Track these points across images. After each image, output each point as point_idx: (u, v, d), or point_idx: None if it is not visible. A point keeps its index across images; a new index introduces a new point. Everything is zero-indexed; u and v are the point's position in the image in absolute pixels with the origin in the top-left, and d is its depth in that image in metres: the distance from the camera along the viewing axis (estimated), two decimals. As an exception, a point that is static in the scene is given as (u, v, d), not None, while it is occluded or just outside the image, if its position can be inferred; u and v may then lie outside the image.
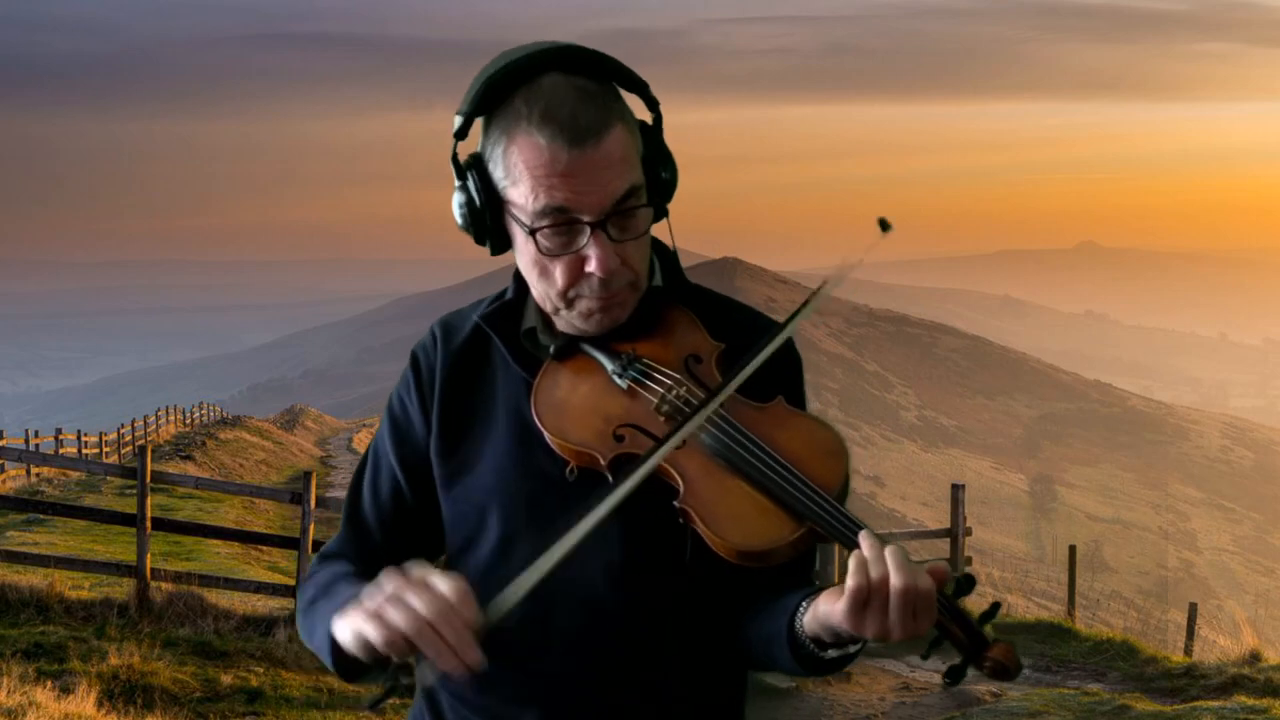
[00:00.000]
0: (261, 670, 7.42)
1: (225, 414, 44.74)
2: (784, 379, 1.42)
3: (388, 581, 1.18)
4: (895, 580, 1.15)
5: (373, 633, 1.16)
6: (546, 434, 1.35)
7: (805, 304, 1.38)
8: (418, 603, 1.15)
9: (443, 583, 1.16)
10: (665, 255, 1.47)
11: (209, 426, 36.19)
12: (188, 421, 38.02)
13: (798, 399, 1.42)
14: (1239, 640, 9.49)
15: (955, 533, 11.47)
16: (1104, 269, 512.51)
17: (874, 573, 1.16)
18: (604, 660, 1.35)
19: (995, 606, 1.19)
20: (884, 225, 1.32)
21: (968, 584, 1.18)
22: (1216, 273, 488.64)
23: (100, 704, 5.83)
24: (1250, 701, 7.17)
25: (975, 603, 1.20)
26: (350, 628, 1.20)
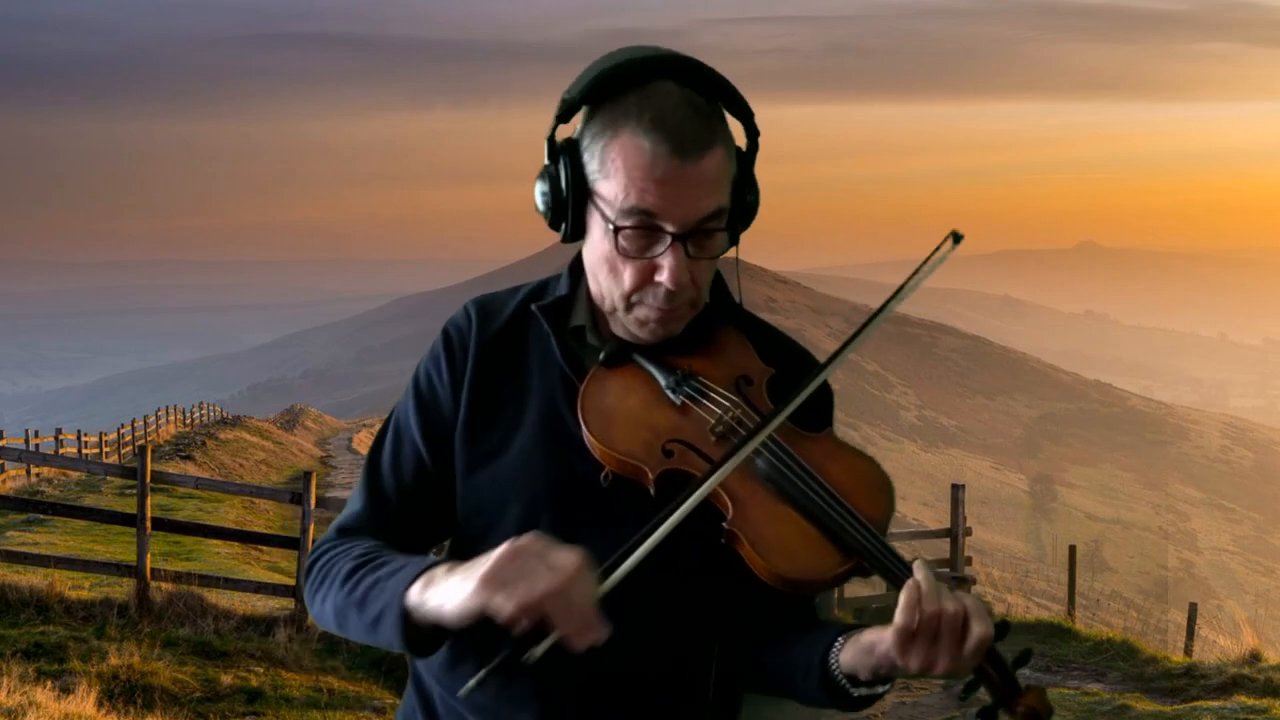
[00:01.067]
0: (261, 670, 7.41)
1: (225, 414, 44.75)
2: (824, 408, 1.43)
3: (504, 551, 1.16)
4: (949, 608, 1.17)
5: (501, 601, 1.14)
6: (590, 437, 1.33)
7: (869, 322, 1.34)
8: (543, 572, 1.14)
9: (564, 554, 1.16)
10: (721, 280, 1.47)
11: (209, 426, 36.19)
12: (188, 421, 38.02)
13: (830, 427, 1.43)
14: (1239, 640, 9.49)
15: (955, 533, 11.47)
16: (1104, 269, 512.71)
17: (927, 608, 1.17)
18: (601, 660, 1.31)
19: (1027, 653, 1.21)
20: (956, 238, 1.30)
21: (1004, 629, 1.19)
22: (1216, 273, 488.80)
23: (100, 704, 5.83)
24: (1250, 701, 7.18)
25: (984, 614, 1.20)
26: (456, 595, 1.17)
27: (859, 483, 1.31)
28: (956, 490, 11.88)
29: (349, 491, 1.47)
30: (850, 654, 1.26)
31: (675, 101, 1.29)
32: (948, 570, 11.53)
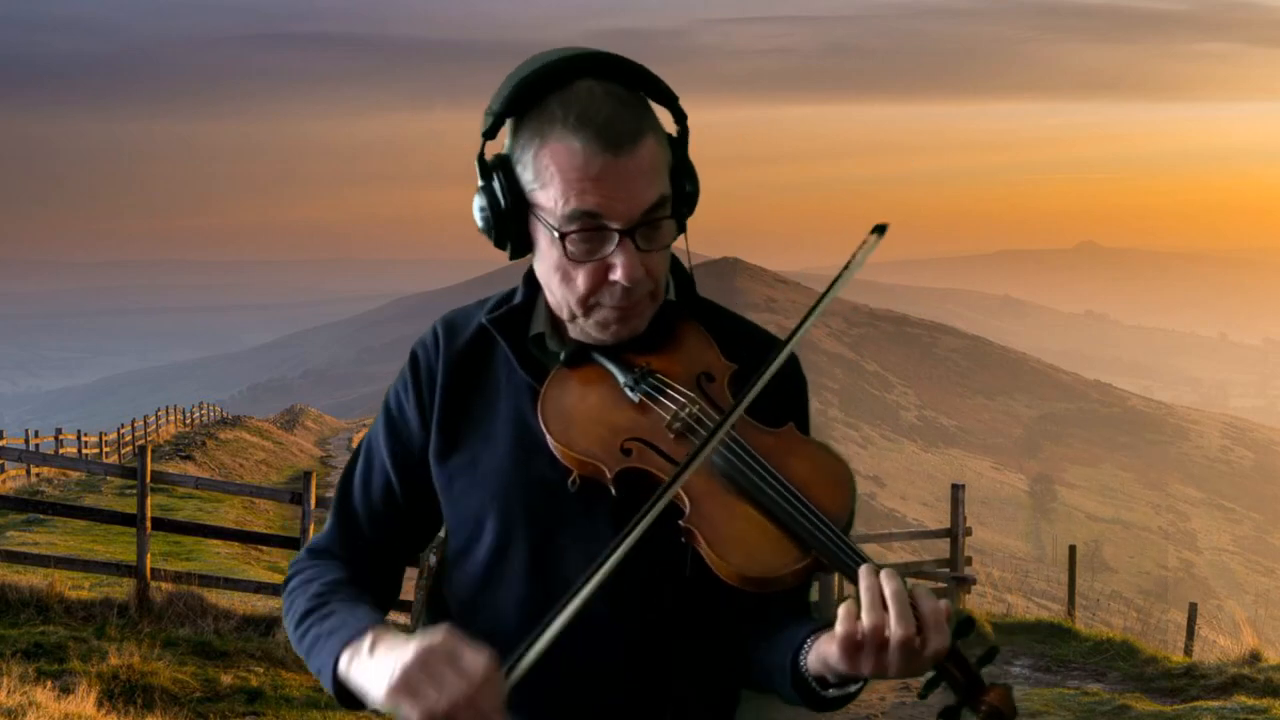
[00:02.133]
0: (261, 670, 7.41)
1: (225, 414, 44.74)
2: (791, 402, 1.41)
3: (414, 655, 1.16)
4: (895, 630, 1.13)
5: (407, 709, 1.15)
6: (551, 440, 1.32)
7: (807, 318, 1.35)
8: (451, 679, 1.14)
9: (470, 656, 1.15)
10: (679, 270, 1.46)
11: (209, 426, 36.20)
12: (188, 421, 38.02)
13: (803, 421, 1.42)
14: (1239, 640, 9.48)
15: (955, 533, 11.47)
16: (1104, 269, 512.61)
17: (867, 621, 1.14)
18: (598, 674, 1.34)
19: (993, 651, 1.18)
20: (879, 230, 1.31)
21: (967, 626, 1.17)
22: (1216, 273, 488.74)
23: (100, 704, 5.83)
24: (1250, 701, 7.18)
25: (975, 618, 1.23)
26: (383, 698, 1.18)
27: (818, 477, 1.29)
28: (956, 490, 11.87)
29: (349, 458, 1.55)
30: (814, 657, 1.24)
31: (599, 97, 1.27)
32: (948, 570, 11.53)
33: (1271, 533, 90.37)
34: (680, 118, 1.36)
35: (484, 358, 1.43)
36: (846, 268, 1.34)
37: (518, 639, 1.21)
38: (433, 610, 1.48)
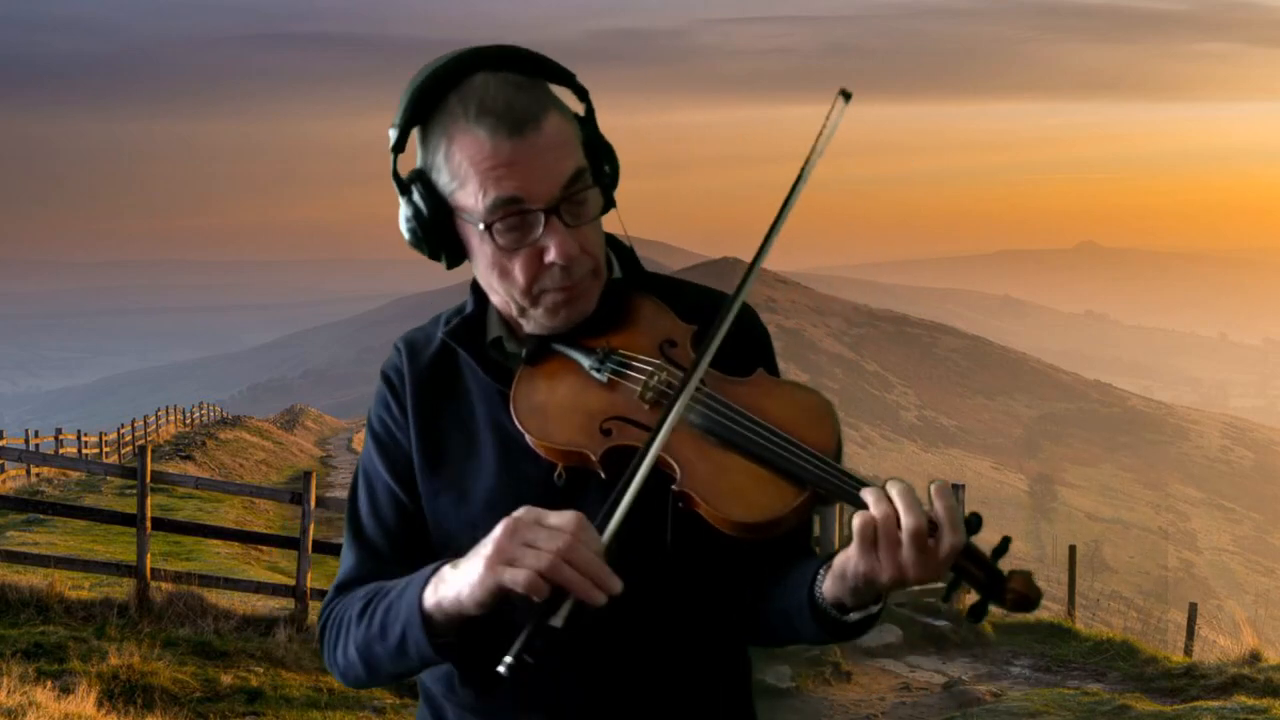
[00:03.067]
0: (261, 670, 7.41)
1: (225, 414, 44.74)
2: (757, 351, 1.42)
3: (502, 528, 1.16)
4: (905, 517, 1.14)
5: (509, 577, 1.13)
6: (531, 439, 1.33)
7: (766, 242, 1.33)
8: (545, 539, 1.13)
9: (558, 516, 1.15)
10: (620, 248, 1.47)
11: (209, 426, 36.20)
12: (188, 421, 38.02)
13: (771, 369, 1.42)
14: (1239, 640, 9.47)
15: (955, 533, 11.45)
16: (1104, 269, 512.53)
17: (879, 511, 1.15)
18: (606, 657, 1.34)
19: (1006, 540, 1.17)
20: (846, 95, 1.29)
21: (976, 523, 1.17)
22: (1216, 273, 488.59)
23: (100, 704, 5.83)
24: (1250, 701, 7.17)
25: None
26: (469, 583, 1.17)
27: (798, 414, 1.30)
28: (956, 490, 11.85)
29: (348, 491, 1.54)
30: (830, 583, 1.24)
31: (494, 86, 1.28)
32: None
33: (1271, 533, 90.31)
34: (582, 94, 1.35)
35: (450, 371, 1.43)
36: (818, 138, 1.30)
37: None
38: None
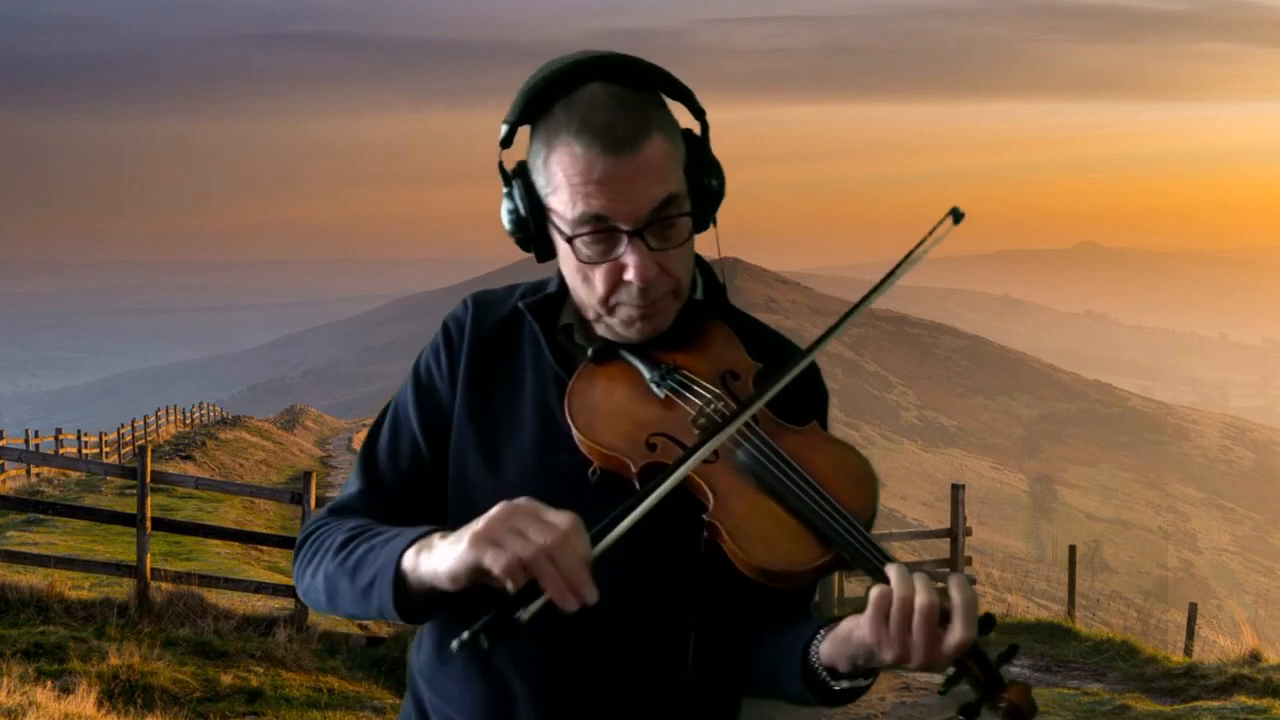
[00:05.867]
0: (261, 670, 7.41)
1: (225, 414, 44.71)
2: (814, 406, 1.42)
3: (497, 511, 1.16)
4: (921, 598, 1.14)
5: (490, 558, 1.14)
6: (577, 433, 1.34)
7: (852, 311, 1.34)
8: (535, 531, 1.14)
9: (555, 514, 1.16)
10: (712, 278, 1.47)
11: (209, 426, 36.18)
12: (188, 421, 38.03)
13: (824, 425, 1.42)
14: (1239, 640, 9.48)
15: (955, 533, 11.47)
16: (1104, 269, 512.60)
17: (900, 589, 1.15)
18: (594, 659, 1.34)
19: (1013, 649, 1.17)
20: (957, 216, 1.29)
21: (988, 623, 1.16)
22: (1216, 273, 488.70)
23: (100, 704, 5.83)
24: (1250, 701, 7.18)
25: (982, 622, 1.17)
26: (451, 555, 1.17)
27: (841, 474, 1.30)
28: (956, 490, 11.88)
29: (372, 423, 1.54)
30: (829, 645, 1.24)
31: (602, 100, 1.28)
32: (948, 570, 11.53)
33: (1271, 533, 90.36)
34: (699, 113, 1.37)
35: (512, 340, 1.44)
36: (910, 254, 1.30)
37: (528, 625, 1.18)
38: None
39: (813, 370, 1.43)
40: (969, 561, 11.77)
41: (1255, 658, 8.86)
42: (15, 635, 7.17)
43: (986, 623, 1.16)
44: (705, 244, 1.43)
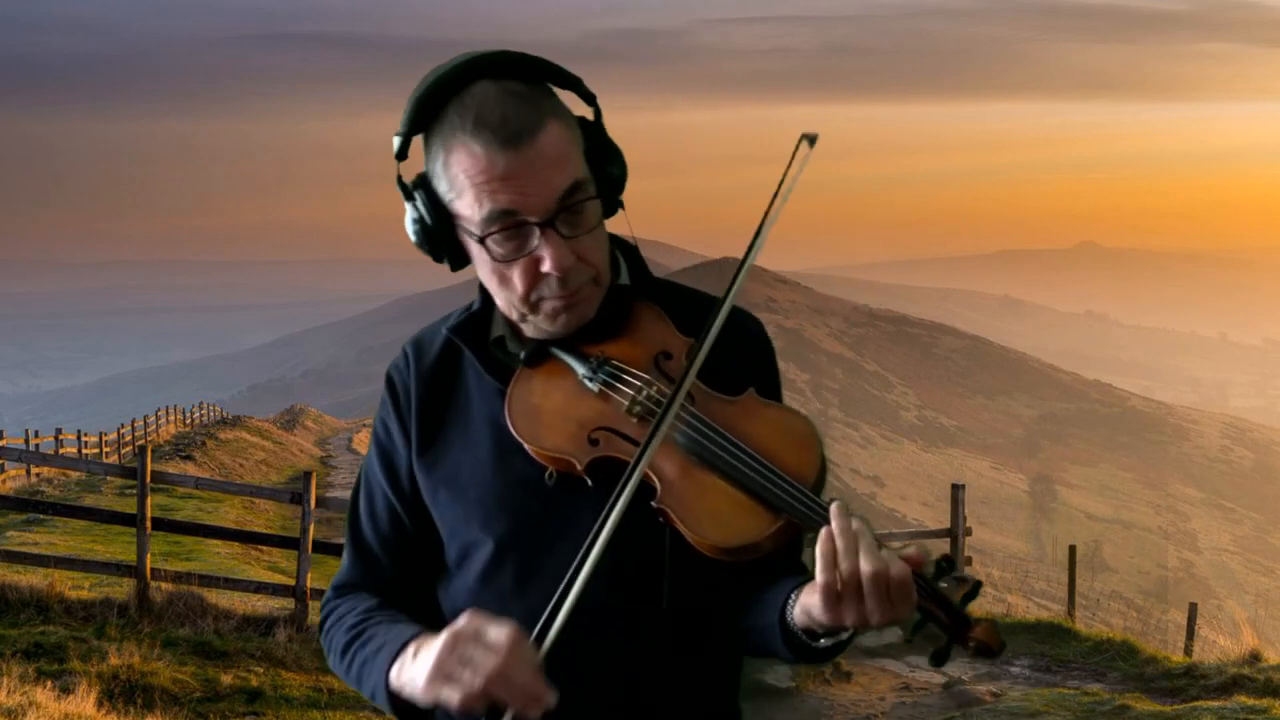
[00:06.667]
0: (261, 670, 7.41)
1: (225, 414, 44.69)
2: (756, 368, 1.42)
3: (442, 643, 1.20)
4: (866, 568, 1.15)
5: (446, 695, 1.19)
6: (522, 440, 1.35)
7: (744, 263, 1.33)
8: (482, 656, 1.17)
9: (494, 630, 1.19)
10: (629, 251, 1.46)
11: (209, 426, 36.16)
12: (188, 421, 38.01)
13: (771, 387, 1.42)
14: (1239, 640, 9.47)
15: (955, 533, 11.46)
16: (1104, 269, 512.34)
17: (843, 565, 1.16)
18: (594, 667, 1.35)
19: (977, 585, 1.19)
20: (811, 140, 1.30)
21: (947, 566, 1.18)
22: (1216, 273, 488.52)
23: (100, 704, 5.83)
24: (1250, 701, 7.17)
25: (976, 602, 1.20)
26: (423, 691, 1.22)
27: (783, 440, 1.30)
28: (956, 490, 11.87)
29: (349, 491, 1.54)
30: (798, 610, 1.26)
31: (494, 96, 1.28)
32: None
33: (1271, 533, 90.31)
34: (590, 99, 1.35)
35: (453, 369, 1.45)
36: (780, 189, 1.31)
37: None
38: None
39: (751, 327, 1.44)
40: (969, 561, 11.76)
41: (1255, 658, 8.85)
42: (15, 635, 7.17)
43: (947, 565, 1.18)
44: (621, 226, 1.42)
